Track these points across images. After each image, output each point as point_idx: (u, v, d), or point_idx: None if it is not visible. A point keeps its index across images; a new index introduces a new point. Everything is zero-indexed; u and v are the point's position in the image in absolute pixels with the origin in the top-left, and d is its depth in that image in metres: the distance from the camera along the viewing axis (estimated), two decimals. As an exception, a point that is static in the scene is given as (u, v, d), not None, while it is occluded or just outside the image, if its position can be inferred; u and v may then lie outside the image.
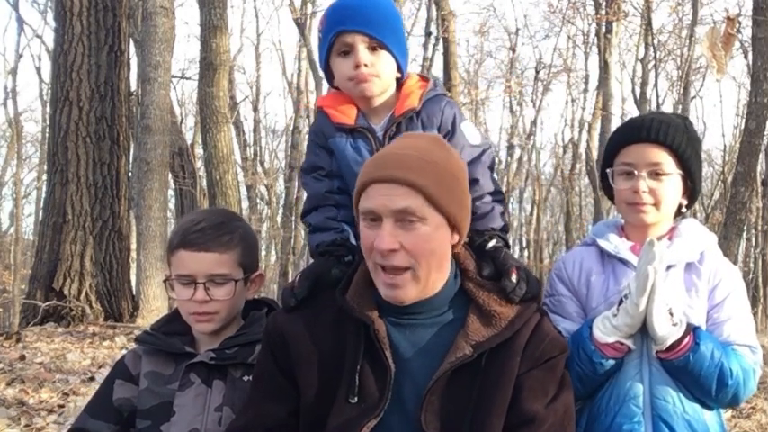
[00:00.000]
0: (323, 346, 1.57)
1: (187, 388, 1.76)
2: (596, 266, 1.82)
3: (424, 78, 1.83)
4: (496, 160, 1.82)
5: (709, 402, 1.71)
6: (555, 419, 1.52)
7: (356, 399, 1.51)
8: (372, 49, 1.72)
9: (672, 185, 1.77)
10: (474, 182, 1.75)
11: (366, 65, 1.72)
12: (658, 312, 1.60)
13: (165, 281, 1.88)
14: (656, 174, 1.75)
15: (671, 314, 1.62)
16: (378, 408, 1.49)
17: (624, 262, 1.78)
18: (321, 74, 1.87)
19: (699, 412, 1.69)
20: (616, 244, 1.81)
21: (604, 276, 1.80)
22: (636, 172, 1.75)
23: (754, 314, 16.77)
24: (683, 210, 1.85)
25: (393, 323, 1.56)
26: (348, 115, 1.79)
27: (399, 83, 1.81)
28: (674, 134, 1.75)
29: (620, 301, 1.65)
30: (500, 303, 1.57)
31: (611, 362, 1.67)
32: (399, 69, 1.79)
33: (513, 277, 1.60)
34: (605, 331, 1.66)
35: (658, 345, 1.64)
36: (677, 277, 1.75)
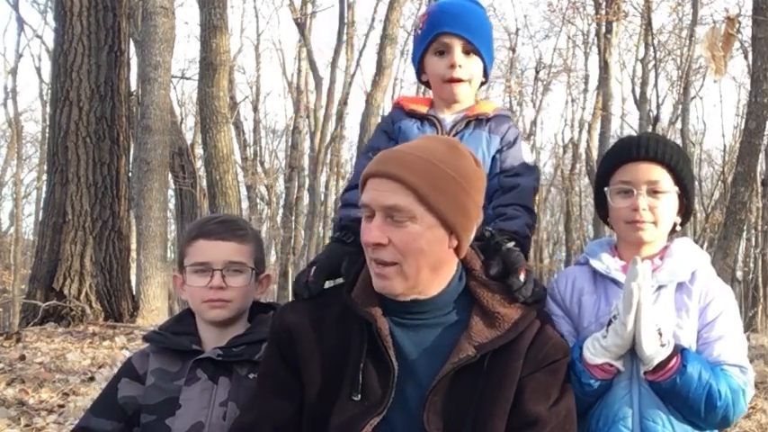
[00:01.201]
0: (327, 343, 1.58)
1: (193, 383, 1.78)
2: (588, 286, 1.81)
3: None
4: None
5: (699, 424, 1.69)
6: (557, 422, 1.53)
7: (359, 396, 1.52)
8: (466, 53, 1.89)
9: (669, 203, 1.77)
10: (515, 186, 1.85)
11: (460, 66, 1.88)
12: (646, 331, 1.60)
13: (175, 275, 1.91)
14: (654, 191, 1.76)
15: (660, 334, 1.61)
16: (381, 406, 1.50)
17: (616, 282, 1.77)
18: (411, 68, 2.09)
19: None
20: (608, 264, 1.80)
21: (596, 296, 1.79)
22: (634, 190, 1.75)
23: (754, 314, 16.79)
24: (677, 228, 1.85)
25: (397, 323, 1.56)
26: (421, 105, 1.96)
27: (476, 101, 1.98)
28: (670, 152, 1.77)
29: (610, 322, 1.65)
30: (504, 305, 1.57)
31: (600, 383, 1.67)
32: (485, 74, 1.96)
33: (522, 276, 1.61)
34: (595, 352, 1.65)
35: (645, 365, 1.63)
36: (668, 297, 1.74)
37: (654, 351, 1.61)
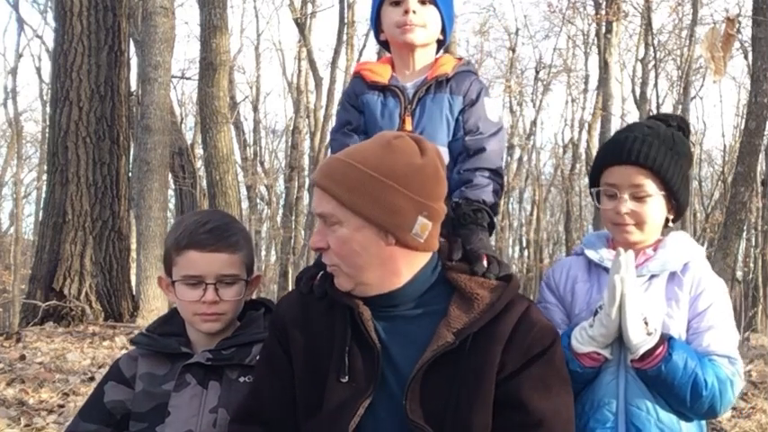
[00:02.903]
0: (315, 332, 1.62)
1: (183, 389, 1.75)
2: (582, 275, 1.84)
3: (458, 58, 1.95)
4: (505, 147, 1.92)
5: (686, 413, 1.70)
6: (560, 425, 1.53)
7: (347, 378, 1.55)
8: (422, 2, 1.86)
9: (654, 206, 1.76)
10: (480, 150, 1.83)
11: (414, 11, 1.84)
12: (632, 321, 1.61)
13: (161, 277, 1.86)
14: (638, 195, 1.75)
15: (646, 323, 1.63)
16: (369, 387, 1.53)
17: (608, 271, 1.78)
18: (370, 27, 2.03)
19: (674, 423, 1.69)
20: (602, 254, 1.82)
21: (589, 285, 1.81)
22: (618, 193, 1.76)
23: (754, 314, 16.78)
24: (670, 224, 1.85)
25: (376, 315, 1.59)
26: (382, 75, 1.90)
27: (436, 58, 1.94)
28: (655, 155, 1.74)
29: (596, 312, 1.67)
30: (482, 286, 1.58)
31: (589, 371, 1.69)
32: (443, 32, 1.92)
33: (484, 262, 1.63)
34: (582, 341, 1.67)
35: (632, 353, 1.64)
36: (659, 287, 1.75)
37: (640, 340, 1.62)
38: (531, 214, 25.32)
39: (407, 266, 1.59)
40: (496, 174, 1.84)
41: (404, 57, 1.92)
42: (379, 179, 1.51)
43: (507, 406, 1.52)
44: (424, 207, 1.56)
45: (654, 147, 1.74)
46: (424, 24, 1.86)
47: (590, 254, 1.83)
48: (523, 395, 1.51)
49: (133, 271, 8.48)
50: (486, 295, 1.57)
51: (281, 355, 1.64)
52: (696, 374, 1.63)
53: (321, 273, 1.69)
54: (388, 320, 1.59)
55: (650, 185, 1.74)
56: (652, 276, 1.76)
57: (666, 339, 1.65)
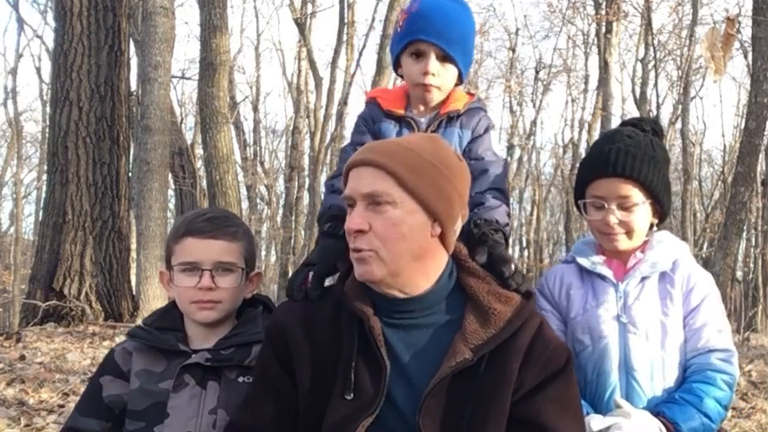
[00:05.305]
0: (319, 342, 1.57)
1: (181, 389, 1.73)
2: (576, 281, 1.91)
3: (470, 94, 2.01)
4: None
5: None
6: None
7: (352, 395, 1.50)
8: (442, 59, 1.89)
9: (641, 214, 1.83)
10: (484, 172, 1.87)
11: (434, 74, 1.89)
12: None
13: (162, 272, 1.87)
14: (625, 206, 1.81)
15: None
16: (373, 405, 1.49)
17: (602, 277, 1.86)
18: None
19: None
20: (594, 261, 1.89)
21: (583, 290, 1.88)
22: (606, 205, 1.82)
23: (754, 314, 16.77)
24: (654, 228, 1.91)
25: (388, 323, 1.55)
26: (398, 104, 1.96)
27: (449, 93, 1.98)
28: (639, 166, 1.80)
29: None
30: (499, 299, 1.56)
31: None
32: (460, 79, 1.97)
33: (512, 266, 1.63)
34: None
35: None
36: (651, 287, 1.82)
37: None
38: (531, 214, 25.31)
39: (436, 266, 1.56)
40: (504, 194, 1.88)
41: (419, 98, 1.97)
42: (436, 166, 1.52)
43: (526, 426, 1.50)
44: (463, 206, 1.58)
45: (638, 158, 1.80)
46: (440, 86, 1.91)
47: (582, 261, 1.90)
48: (543, 417, 1.50)
49: (133, 271, 8.47)
50: (503, 310, 1.54)
51: (278, 369, 1.59)
52: (706, 422, 1.67)
53: (311, 274, 1.67)
54: (400, 329, 1.55)
55: (637, 195, 1.81)
56: (643, 278, 1.82)
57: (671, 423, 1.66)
